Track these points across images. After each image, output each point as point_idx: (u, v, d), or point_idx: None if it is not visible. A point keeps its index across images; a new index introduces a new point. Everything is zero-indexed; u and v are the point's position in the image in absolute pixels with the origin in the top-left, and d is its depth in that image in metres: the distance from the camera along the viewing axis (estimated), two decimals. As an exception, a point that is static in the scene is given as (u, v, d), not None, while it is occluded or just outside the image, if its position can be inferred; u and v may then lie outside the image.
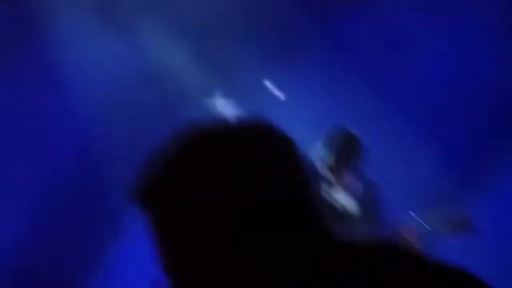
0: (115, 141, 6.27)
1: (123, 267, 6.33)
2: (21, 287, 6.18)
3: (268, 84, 6.43)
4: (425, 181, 6.26)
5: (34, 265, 6.16)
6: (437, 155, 6.40)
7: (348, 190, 4.95)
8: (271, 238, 1.31)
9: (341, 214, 4.92)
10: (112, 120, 6.34)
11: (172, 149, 1.37)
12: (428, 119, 6.44)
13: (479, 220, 4.92)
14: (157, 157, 1.37)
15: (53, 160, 6.34)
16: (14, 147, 6.24)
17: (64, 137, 6.32)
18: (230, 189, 1.31)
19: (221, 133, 1.37)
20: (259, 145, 1.36)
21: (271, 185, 1.33)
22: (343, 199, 4.97)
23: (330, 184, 4.90)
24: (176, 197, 1.33)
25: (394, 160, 6.22)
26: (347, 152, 4.89)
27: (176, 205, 1.33)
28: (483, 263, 5.79)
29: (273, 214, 1.31)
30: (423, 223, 4.77)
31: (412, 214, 4.83)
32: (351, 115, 5.52)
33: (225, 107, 6.09)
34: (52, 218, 6.33)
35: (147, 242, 1.42)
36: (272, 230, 1.31)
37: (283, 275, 1.30)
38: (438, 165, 6.36)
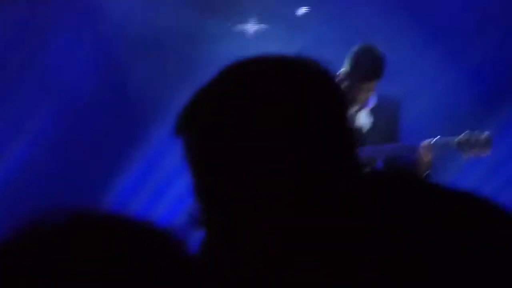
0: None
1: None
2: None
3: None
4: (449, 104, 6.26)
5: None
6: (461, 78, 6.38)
7: (368, 107, 4.93)
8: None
9: (363, 136, 4.91)
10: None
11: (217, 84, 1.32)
12: (454, 42, 6.39)
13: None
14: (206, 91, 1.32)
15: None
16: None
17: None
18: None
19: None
20: (302, 83, 1.30)
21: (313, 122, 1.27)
22: (364, 118, 4.96)
23: (353, 106, 4.87)
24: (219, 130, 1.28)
25: (418, 79, 6.21)
26: (370, 69, 4.79)
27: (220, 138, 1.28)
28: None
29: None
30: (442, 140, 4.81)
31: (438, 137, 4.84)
32: (375, 34, 5.45)
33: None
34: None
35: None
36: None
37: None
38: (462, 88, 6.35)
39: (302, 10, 6.52)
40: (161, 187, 6.34)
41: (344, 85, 4.79)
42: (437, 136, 4.86)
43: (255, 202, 1.26)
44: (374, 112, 4.94)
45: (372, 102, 4.94)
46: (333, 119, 1.29)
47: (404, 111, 5.06)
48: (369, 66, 4.79)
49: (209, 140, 1.29)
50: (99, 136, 6.40)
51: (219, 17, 6.35)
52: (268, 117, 1.25)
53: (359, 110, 4.93)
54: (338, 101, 1.32)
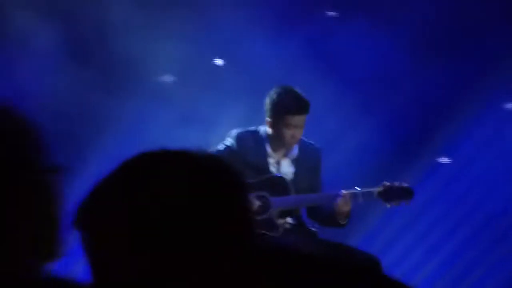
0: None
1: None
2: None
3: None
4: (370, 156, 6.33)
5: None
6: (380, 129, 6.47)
7: (291, 156, 4.92)
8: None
9: (285, 183, 4.90)
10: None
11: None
12: (370, 92, 6.49)
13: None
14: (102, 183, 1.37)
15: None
16: None
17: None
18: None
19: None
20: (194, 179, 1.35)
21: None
22: (287, 167, 4.94)
23: (274, 155, 4.87)
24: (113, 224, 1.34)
25: (338, 132, 6.26)
26: (292, 102, 4.75)
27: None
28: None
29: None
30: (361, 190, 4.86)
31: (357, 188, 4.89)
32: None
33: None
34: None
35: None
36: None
37: None
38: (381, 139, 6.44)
39: (218, 62, 6.51)
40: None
41: (270, 129, 4.79)
42: (355, 185, 4.91)
43: None
44: (296, 161, 4.94)
45: (295, 151, 4.92)
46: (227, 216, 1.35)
47: (325, 160, 5.08)
48: (290, 100, 4.78)
49: (104, 237, 1.35)
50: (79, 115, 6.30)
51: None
52: (163, 215, 1.32)
53: (284, 157, 4.91)
54: (234, 193, 1.37)
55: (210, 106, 6.26)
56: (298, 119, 4.78)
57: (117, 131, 6.14)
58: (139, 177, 1.34)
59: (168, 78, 6.52)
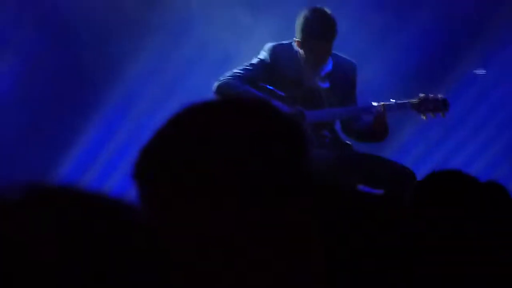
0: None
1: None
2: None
3: None
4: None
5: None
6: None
7: (319, 69, 4.90)
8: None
9: (320, 97, 4.91)
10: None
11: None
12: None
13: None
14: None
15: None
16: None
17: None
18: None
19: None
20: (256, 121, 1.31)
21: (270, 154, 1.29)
22: (322, 81, 4.93)
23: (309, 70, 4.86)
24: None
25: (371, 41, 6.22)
26: (321, 29, 4.72)
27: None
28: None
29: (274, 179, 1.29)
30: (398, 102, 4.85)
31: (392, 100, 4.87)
32: None
33: None
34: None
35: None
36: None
37: None
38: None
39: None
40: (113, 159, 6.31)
41: (300, 50, 4.77)
42: (391, 98, 4.89)
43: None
44: (331, 75, 4.93)
45: (329, 66, 4.90)
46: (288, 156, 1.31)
47: (360, 73, 5.06)
48: (316, 26, 4.74)
49: (169, 183, 1.32)
50: (47, 107, 6.31)
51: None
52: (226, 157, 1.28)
53: (318, 72, 4.89)
54: (292, 139, 1.34)
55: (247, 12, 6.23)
56: (321, 45, 4.76)
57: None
58: (203, 128, 1.31)
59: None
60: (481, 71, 6.29)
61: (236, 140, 1.28)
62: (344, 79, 4.96)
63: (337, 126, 5.04)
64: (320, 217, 1.34)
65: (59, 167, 6.17)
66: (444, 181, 1.98)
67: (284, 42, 4.95)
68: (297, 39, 4.79)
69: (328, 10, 4.81)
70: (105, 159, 6.32)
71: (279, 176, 1.28)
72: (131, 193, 1.29)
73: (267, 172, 1.27)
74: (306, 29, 4.74)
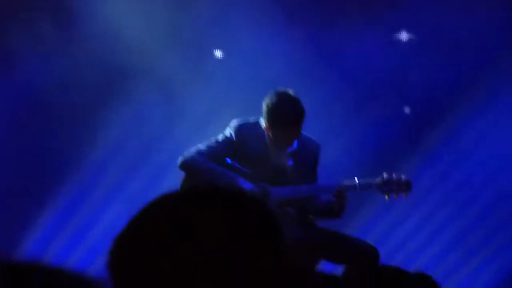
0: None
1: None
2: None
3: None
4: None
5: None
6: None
7: (286, 149, 4.97)
8: None
9: (286, 176, 4.97)
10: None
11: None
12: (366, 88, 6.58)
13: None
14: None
15: None
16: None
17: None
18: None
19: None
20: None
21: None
22: (286, 160, 4.99)
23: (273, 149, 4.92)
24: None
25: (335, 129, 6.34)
26: (287, 116, 4.77)
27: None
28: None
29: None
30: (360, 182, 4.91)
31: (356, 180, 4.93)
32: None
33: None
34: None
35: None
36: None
37: None
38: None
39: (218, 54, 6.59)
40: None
41: (268, 132, 4.83)
42: (355, 175, 4.95)
43: None
44: (295, 154, 4.98)
45: (294, 145, 4.96)
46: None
47: (325, 150, 5.13)
48: (285, 112, 4.79)
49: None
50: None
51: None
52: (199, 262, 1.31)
53: (285, 150, 4.94)
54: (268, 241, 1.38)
55: (209, 99, 6.36)
56: (288, 131, 4.82)
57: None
58: (176, 221, 1.34)
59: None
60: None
61: (205, 232, 1.31)
62: (308, 158, 5.02)
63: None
64: None
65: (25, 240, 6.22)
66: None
67: (250, 120, 5.00)
68: (265, 124, 4.83)
69: (292, 93, 4.86)
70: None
71: (253, 265, 1.31)
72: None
73: (241, 262, 1.31)
74: (273, 116, 4.78)
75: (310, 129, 5.09)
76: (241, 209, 1.36)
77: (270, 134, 4.84)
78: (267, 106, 4.82)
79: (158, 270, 1.30)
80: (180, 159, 4.95)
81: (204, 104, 6.33)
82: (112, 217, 6.19)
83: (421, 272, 2.24)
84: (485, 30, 6.45)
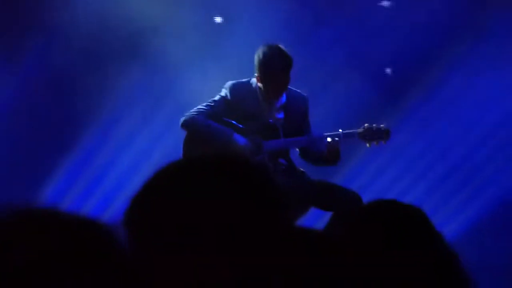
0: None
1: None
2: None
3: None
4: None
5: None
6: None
7: (278, 104, 5.46)
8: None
9: (276, 128, 5.45)
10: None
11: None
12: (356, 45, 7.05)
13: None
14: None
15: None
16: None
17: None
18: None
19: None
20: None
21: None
22: (278, 113, 5.48)
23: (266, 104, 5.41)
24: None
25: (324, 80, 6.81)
26: (276, 65, 5.22)
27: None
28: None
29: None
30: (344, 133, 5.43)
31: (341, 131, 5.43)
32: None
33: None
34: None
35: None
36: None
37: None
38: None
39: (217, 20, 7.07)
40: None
41: (259, 83, 5.32)
42: (339, 129, 5.44)
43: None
44: (285, 107, 5.45)
45: (283, 99, 5.44)
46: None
47: (314, 107, 5.59)
48: (275, 59, 5.25)
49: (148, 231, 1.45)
50: (29, 136, 6.87)
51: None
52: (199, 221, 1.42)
53: (275, 105, 5.43)
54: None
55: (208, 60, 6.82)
56: (282, 75, 5.27)
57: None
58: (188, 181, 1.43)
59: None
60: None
61: (212, 194, 1.41)
62: (298, 110, 5.48)
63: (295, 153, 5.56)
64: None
65: (43, 189, 6.69)
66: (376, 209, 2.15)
67: (243, 80, 5.49)
68: (256, 74, 5.30)
69: (281, 46, 5.34)
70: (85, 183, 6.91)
71: (253, 226, 1.40)
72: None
73: (242, 221, 1.39)
74: (265, 63, 5.24)
75: (300, 86, 5.58)
76: (245, 176, 1.45)
77: (261, 86, 5.28)
78: (258, 56, 5.26)
79: (171, 230, 1.41)
80: (181, 119, 5.43)
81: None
82: (124, 168, 6.74)
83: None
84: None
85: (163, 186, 1.46)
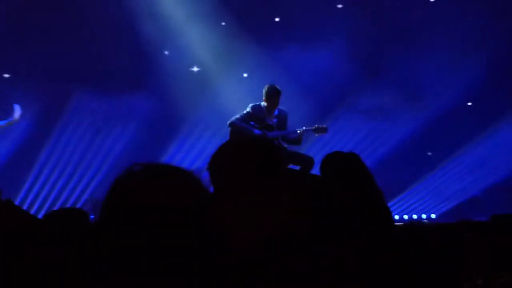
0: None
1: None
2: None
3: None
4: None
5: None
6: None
7: (275, 114, 11.33)
8: None
9: (273, 127, 11.22)
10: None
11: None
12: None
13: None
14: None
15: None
16: None
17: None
18: None
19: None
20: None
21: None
22: (273, 119, 11.41)
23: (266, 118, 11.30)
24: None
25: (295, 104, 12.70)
26: (273, 93, 10.80)
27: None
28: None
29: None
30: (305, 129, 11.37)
31: (304, 128, 11.37)
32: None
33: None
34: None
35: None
36: None
37: None
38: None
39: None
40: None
41: (265, 103, 11.23)
42: (303, 126, 11.36)
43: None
44: (277, 116, 11.28)
45: (276, 112, 11.40)
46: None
47: (290, 117, 11.57)
48: (273, 91, 10.96)
49: (222, 171, 2.45)
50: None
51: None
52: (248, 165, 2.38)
53: (272, 115, 11.38)
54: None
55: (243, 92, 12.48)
56: (275, 98, 10.89)
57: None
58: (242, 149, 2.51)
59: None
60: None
61: (252, 154, 2.48)
62: (283, 118, 11.14)
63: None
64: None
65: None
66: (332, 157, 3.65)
67: (257, 103, 11.38)
68: (264, 98, 11.06)
69: (277, 86, 11.19)
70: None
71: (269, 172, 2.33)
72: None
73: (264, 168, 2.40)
74: (268, 93, 10.90)
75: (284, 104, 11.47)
76: (263, 145, 2.52)
77: (266, 105, 10.98)
78: (265, 90, 10.85)
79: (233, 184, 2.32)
80: (228, 121, 11.13)
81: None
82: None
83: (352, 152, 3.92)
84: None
85: (230, 151, 2.52)
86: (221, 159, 2.55)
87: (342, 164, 3.94)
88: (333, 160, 4.07)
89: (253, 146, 2.60)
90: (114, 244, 1.58)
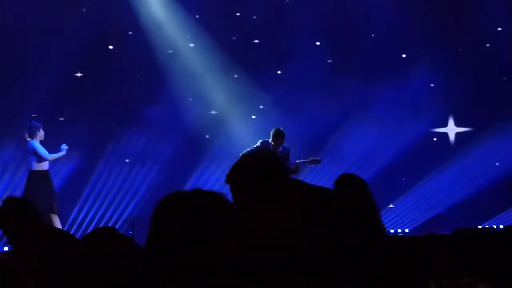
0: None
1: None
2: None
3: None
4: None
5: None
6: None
7: (280, 150, 14.27)
8: None
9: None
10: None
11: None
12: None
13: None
14: None
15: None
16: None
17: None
18: None
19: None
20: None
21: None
22: (279, 154, 14.40)
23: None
24: None
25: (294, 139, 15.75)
26: (278, 135, 13.93)
27: None
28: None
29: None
30: (303, 161, 14.33)
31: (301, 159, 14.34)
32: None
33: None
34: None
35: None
36: None
37: None
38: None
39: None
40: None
41: (272, 142, 14.19)
42: (301, 159, 14.43)
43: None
44: (281, 152, 14.38)
45: (280, 148, 14.41)
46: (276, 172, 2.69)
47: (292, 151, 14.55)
48: (278, 135, 14.20)
49: (242, 184, 2.59)
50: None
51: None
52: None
53: (277, 150, 14.37)
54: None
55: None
56: (281, 139, 14.06)
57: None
58: (254, 161, 2.70)
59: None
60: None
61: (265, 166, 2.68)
62: (286, 154, 14.28)
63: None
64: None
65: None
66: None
67: (265, 139, 14.37)
68: (271, 139, 14.13)
69: (282, 129, 14.26)
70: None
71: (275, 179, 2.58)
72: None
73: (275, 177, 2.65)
74: (274, 135, 14.06)
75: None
76: (267, 157, 2.73)
77: (273, 143, 14.08)
78: (272, 132, 14.02)
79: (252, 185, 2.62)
80: (241, 154, 14.23)
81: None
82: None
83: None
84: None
85: (251, 159, 2.71)
86: (234, 170, 2.75)
87: (356, 184, 4.65)
88: (348, 179, 4.66)
89: (260, 155, 2.87)
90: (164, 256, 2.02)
